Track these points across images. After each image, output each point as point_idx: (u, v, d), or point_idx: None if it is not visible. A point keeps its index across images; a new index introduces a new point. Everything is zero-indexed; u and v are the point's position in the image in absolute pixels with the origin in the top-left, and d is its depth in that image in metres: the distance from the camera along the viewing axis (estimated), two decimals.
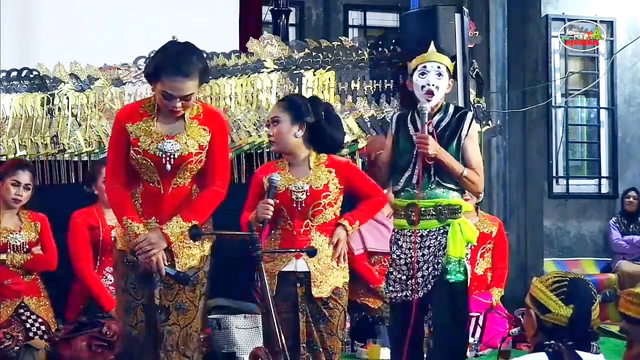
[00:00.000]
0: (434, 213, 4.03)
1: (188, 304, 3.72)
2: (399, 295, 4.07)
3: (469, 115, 4.14)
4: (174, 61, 3.56)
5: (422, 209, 4.02)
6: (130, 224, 3.62)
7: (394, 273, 4.10)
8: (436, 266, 4.00)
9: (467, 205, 4.18)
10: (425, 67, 4.09)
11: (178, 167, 3.64)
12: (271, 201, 3.82)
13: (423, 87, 4.07)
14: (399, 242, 4.11)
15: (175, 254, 3.67)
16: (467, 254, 4.08)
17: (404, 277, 4.06)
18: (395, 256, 4.10)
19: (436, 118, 4.10)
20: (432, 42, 4.19)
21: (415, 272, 4.02)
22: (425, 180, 4.03)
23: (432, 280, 4.00)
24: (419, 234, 4.04)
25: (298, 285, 3.91)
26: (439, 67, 4.06)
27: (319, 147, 4.03)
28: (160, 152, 3.61)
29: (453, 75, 4.23)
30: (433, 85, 4.04)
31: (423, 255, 4.02)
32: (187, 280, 3.66)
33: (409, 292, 4.03)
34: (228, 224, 3.97)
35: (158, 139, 3.63)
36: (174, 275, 3.65)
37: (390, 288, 4.10)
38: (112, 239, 3.93)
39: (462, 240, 4.02)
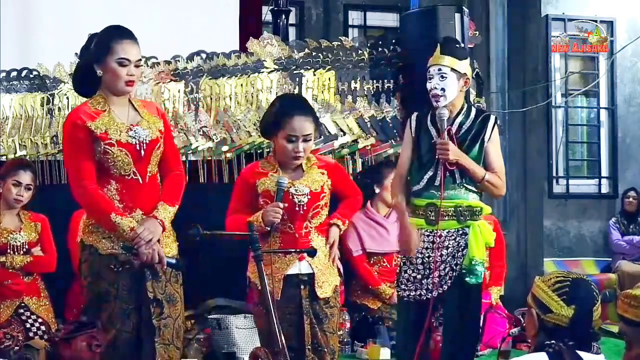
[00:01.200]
0: (453, 214, 4.03)
1: (176, 295, 3.73)
2: (412, 294, 4.07)
3: (492, 118, 4.14)
4: (121, 29, 3.68)
5: (442, 209, 4.02)
6: (122, 219, 3.56)
7: (408, 272, 4.09)
8: (455, 267, 4.01)
9: (486, 207, 4.18)
10: (429, 71, 4.09)
11: (151, 152, 3.66)
12: (281, 205, 3.82)
13: (430, 91, 4.08)
14: None
15: (160, 242, 3.66)
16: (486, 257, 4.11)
17: (419, 277, 4.06)
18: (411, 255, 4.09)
19: (458, 121, 4.10)
20: (439, 44, 4.16)
21: (431, 272, 4.02)
22: (449, 181, 4.04)
23: (449, 281, 4.01)
24: (438, 234, 4.03)
25: (302, 287, 3.92)
26: (440, 70, 4.05)
27: None
28: (133, 139, 3.62)
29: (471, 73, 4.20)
30: (436, 88, 4.04)
31: (441, 255, 4.02)
32: (183, 266, 3.69)
33: (424, 291, 4.03)
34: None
35: (124, 128, 3.64)
36: (175, 264, 3.66)
37: (403, 287, 4.10)
38: (84, 247, 3.68)
39: (483, 242, 4.04)
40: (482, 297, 4.17)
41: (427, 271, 4.03)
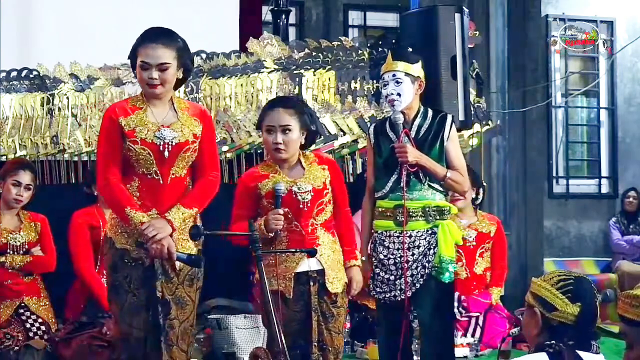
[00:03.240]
0: (422, 215, 4.09)
1: (187, 299, 3.74)
2: (387, 295, 4.13)
3: (449, 118, 4.22)
4: (150, 33, 3.71)
5: (410, 210, 4.08)
6: (135, 213, 3.61)
7: (380, 274, 4.15)
8: (426, 265, 4.06)
9: (454, 207, 4.27)
10: (383, 78, 4.19)
11: (176, 155, 3.68)
12: (282, 211, 3.83)
13: (386, 97, 4.17)
14: (385, 243, 4.15)
15: (175, 243, 3.67)
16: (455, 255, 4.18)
17: (392, 278, 4.12)
18: (382, 257, 4.14)
19: (416, 123, 4.18)
20: (390, 50, 4.24)
21: (404, 272, 4.06)
22: (415, 182, 4.12)
23: (422, 280, 4.06)
24: (407, 235, 4.08)
25: (311, 283, 3.93)
26: (394, 75, 4.13)
27: (305, 146, 4.07)
28: (159, 140, 3.65)
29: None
30: (392, 93, 4.13)
31: (413, 254, 4.08)
32: (198, 262, 3.69)
33: (397, 292, 4.08)
34: (228, 224, 3.98)
35: (154, 128, 3.67)
36: (186, 258, 3.66)
37: (378, 289, 4.16)
38: (106, 240, 3.76)
39: (452, 241, 4.11)
40: (454, 294, 4.30)
41: (399, 272, 4.09)
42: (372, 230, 4.22)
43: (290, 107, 3.99)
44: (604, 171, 9.81)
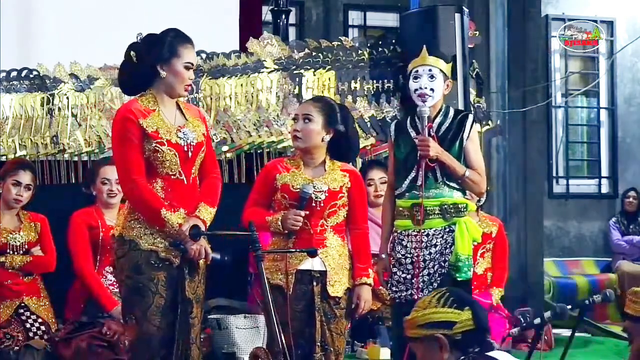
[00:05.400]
0: (439, 212, 4.08)
1: (202, 296, 3.78)
2: (403, 294, 4.11)
3: (470, 117, 4.20)
4: (183, 33, 3.75)
5: (428, 208, 4.07)
6: (171, 215, 3.63)
7: (398, 273, 4.14)
8: (443, 264, 4.06)
9: (472, 204, 4.25)
10: (417, 71, 4.17)
11: (196, 155, 3.73)
12: (303, 213, 3.87)
13: (416, 90, 4.15)
14: (404, 242, 4.14)
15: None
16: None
17: (409, 277, 4.10)
18: (400, 256, 4.13)
19: (437, 121, 4.17)
20: (425, 46, 4.24)
21: (420, 271, 4.06)
22: (431, 180, 4.10)
23: (439, 279, 4.05)
24: (425, 233, 4.07)
25: (314, 283, 3.94)
26: (430, 70, 4.13)
27: (335, 155, 4.08)
28: (182, 141, 3.69)
29: (452, 76, 4.26)
30: (426, 88, 4.12)
31: (430, 253, 4.08)
32: (229, 261, 3.78)
33: (414, 290, 4.07)
34: (228, 224, 3.98)
35: (173, 129, 3.70)
36: (220, 259, 3.72)
37: (394, 288, 4.15)
38: (122, 241, 3.70)
39: (469, 238, 4.08)
40: (472, 292, 4.23)
41: (417, 270, 4.08)
42: (393, 229, 4.22)
43: (317, 101, 4.12)
44: (604, 171, 9.82)
